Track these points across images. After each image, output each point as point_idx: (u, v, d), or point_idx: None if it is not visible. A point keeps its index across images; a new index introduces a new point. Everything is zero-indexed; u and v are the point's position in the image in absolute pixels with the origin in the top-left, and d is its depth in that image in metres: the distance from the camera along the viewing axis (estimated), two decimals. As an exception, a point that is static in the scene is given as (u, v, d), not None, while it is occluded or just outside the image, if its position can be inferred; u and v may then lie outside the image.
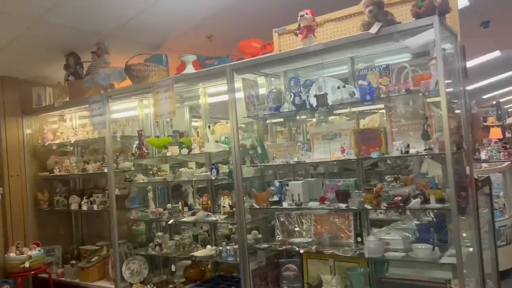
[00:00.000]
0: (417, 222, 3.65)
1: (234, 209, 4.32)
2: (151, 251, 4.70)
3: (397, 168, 5.10)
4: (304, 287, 4.03)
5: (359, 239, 3.77)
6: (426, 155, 3.14)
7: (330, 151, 3.87)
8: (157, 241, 4.74)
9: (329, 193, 3.90)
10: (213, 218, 4.24)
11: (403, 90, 3.21)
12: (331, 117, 4.32)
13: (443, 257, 3.10)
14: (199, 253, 4.31)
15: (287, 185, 4.07)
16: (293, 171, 4.32)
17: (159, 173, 4.93)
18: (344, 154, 3.61)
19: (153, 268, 5.21)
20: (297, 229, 4.13)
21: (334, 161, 3.77)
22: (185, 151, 4.47)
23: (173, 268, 4.44)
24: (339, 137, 3.88)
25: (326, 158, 3.78)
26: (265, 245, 3.90)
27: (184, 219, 4.41)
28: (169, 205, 4.88)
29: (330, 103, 3.53)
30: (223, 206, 4.47)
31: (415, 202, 3.09)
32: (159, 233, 4.95)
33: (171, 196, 5.36)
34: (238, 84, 3.96)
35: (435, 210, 3.30)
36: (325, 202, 3.72)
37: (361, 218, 3.78)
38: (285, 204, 3.85)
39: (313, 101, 3.73)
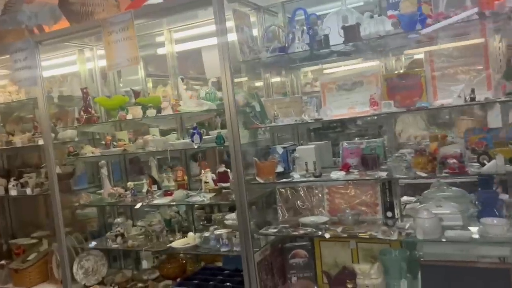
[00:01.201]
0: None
1: (220, 184, 3.39)
2: (112, 244, 3.63)
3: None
4: (318, 277, 3.23)
5: (389, 214, 3.01)
6: (508, 101, 2.38)
7: (347, 106, 3.02)
8: (118, 230, 3.68)
9: (350, 158, 3.07)
10: (197, 198, 3.25)
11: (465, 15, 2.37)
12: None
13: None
14: (180, 243, 3.33)
15: (293, 151, 3.18)
16: (297, 134, 3.42)
17: (114, 143, 3.80)
18: (375, 107, 2.76)
19: (111, 262, 4.16)
20: (305, 205, 3.28)
21: (361, 117, 2.92)
22: (152, 112, 3.39)
23: (145, 264, 3.43)
24: (360, 86, 3.03)
25: (352, 113, 2.91)
26: (272, 230, 3.01)
27: (157, 202, 3.38)
28: (130, 184, 3.81)
29: (363, 37, 2.62)
30: (205, 182, 3.50)
31: (491, 165, 2.34)
32: (118, 220, 3.88)
33: (129, 172, 4.27)
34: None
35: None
36: (350, 170, 2.88)
37: (390, 188, 3.00)
38: (296, 176, 2.96)
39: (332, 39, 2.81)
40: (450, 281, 2.79)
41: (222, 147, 3.20)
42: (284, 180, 2.91)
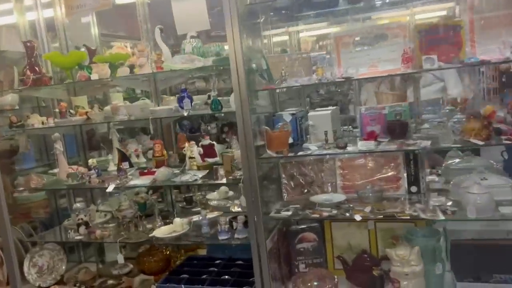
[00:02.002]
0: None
1: (207, 160, 2.83)
2: (74, 235, 2.95)
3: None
4: (329, 263, 2.81)
5: (413, 189, 2.64)
6: None
7: (368, 64, 2.56)
8: (81, 218, 2.99)
9: (370, 126, 2.63)
10: (186, 177, 2.66)
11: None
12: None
13: None
14: (164, 231, 2.73)
15: (301, 118, 2.68)
16: (304, 98, 2.92)
17: (71, 111, 3.06)
18: (408, 64, 2.32)
19: (68, 255, 3.45)
20: (314, 182, 2.81)
21: (391, 75, 2.48)
22: (124, 71, 2.70)
23: (120, 259, 2.80)
24: (384, 40, 2.57)
25: (377, 72, 2.45)
26: (285, 212, 2.51)
27: (135, 182, 2.74)
28: (93, 161, 3.11)
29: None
30: (191, 157, 2.91)
31: None
32: (78, 205, 3.17)
33: (86, 148, 3.54)
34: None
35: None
36: (377, 139, 2.44)
37: (416, 159, 2.62)
38: (313, 147, 2.47)
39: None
40: (482, 261, 2.50)
41: (218, 113, 2.63)
42: (302, 153, 2.41)
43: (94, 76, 2.71)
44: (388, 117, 2.60)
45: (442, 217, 2.16)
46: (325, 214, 2.37)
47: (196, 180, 2.62)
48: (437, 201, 2.37)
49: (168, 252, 2.92)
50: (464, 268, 2.48)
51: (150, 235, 2.73)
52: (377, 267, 2.47)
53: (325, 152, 2.38)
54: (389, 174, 2.69)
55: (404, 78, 2.73)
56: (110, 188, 2.67)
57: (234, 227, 2.63)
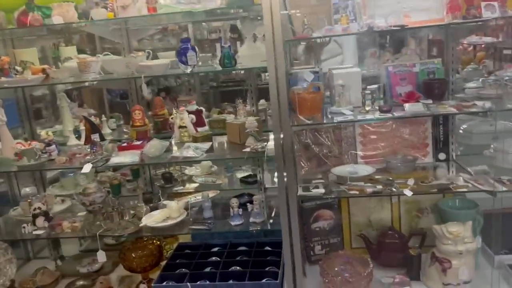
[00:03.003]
0: None
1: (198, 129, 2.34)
2: (32, 230, 2.28)
3: None
4: (345, 242, 2.50)
5: (441, 156, 2.39)
6: None
7: (399, 13, 2.20)
8: (37, 208, 2.32)
9: (401, 86, 2.31)
10: (188, 152, 2.12)
11: None
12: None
13: None
14: (156, 220, 2.19)
15: (317, 77, 2.26)
16: (315, 55, 2.48)
17: (17, 68, 2.32)
18: (456, 13, 2.00)
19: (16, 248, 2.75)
20: (331, 152, 2.44)
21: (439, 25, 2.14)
22: (101, 13, 2.04)
23: (102, 257, 2.19)
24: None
25: (425, 21, 2.10)
26: (317, 190, 2.11)
27: (117, 160, 2.13)
28: (47, 133, 2.43)
29: None
30: (181, 127, 2.38)
31: None
32: (28, 189, 2.50)
33: (32, 117, 2.79)
34: None
35: None
36: (419, 100, 2.12)
37: (445, 125, 2.36)
38: (347, 112, 2.08)
39: None
40: None
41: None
42: (343, 119, 2.00)
43: (57, 20, 2.02)
44: (421, 76, 2.30)
45: (502, 188, 1.92)
46: (369, 190, 2.01)
47: (202, 155, 2.10)
48: (479, 170, 2.13)
49: (158, 243, 2.38)
50: (497, 239, 2.32)
51: (141, 224, 2.18)
52: (414, 247, 2.21)
53: (369, 117, 1.99)
54: (414, 140, 2.41)
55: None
56: (86, 169, 2.05)
57: (250, 209, 2.19)
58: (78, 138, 2.59)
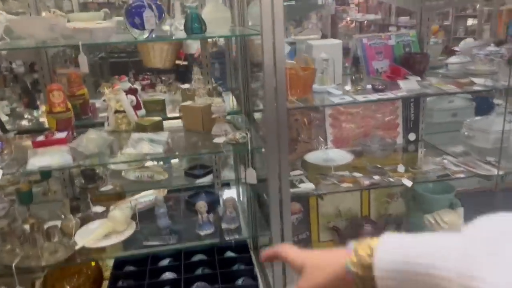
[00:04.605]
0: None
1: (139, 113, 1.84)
2: None
3: None
4: (313, 236, 2.24)
5: (411, 136, 2.25)
6: None
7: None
8: None
9: (377, 60, 2.06)
10: (143, 147, 1.59)
11: None
12: None
13: None
14: (97, 237, 1.64)
15: (294, 50, 1.90)
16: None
17: None
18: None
19: None
20: (301, 137, 2.12)
21: None
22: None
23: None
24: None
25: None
26: (305, 184, 1.76)
27: (40, 163, 1.50)
28: None
29: None
30: (118, 111, 1.84)
31: None
32: None
33: None
34: None
35: None
36: (406, 77, 1.89)
37: (416, 104, 2.21)
38: (335, 91, 1.76)
39: None
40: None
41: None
42: (342, 101, 1.66)
43: None
44: (396, 50, 2.08)
45: (495, 170, 1.81)
46: (366, 182, 1.74)
47: (161, 149, 1.59)
48: (459, 152, 2.02)
49: (94, 264, 1.81)
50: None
51: (77, 247, 1.60)
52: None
53: (372, 98, 1.68)
54: (385, 121, 2.21)
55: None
56: (-6, 177, 1.40)
57: (221, 213, 1.77)
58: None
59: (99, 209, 1.93)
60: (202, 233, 1.72)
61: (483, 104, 2.49)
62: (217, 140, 1.66)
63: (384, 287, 0.50)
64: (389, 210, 2.29)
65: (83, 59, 1.39)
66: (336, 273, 0.57)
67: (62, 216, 1.81)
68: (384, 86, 1.75)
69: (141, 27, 1.45)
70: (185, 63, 2.78)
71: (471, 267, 0.40)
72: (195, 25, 1.49)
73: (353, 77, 1.79)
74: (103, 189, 2.20)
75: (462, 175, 1.78)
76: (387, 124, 2.22)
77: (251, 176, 1.61)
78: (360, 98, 1.65)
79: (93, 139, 1.56)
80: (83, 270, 1.76)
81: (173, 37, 1.69)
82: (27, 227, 1.69)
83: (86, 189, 2.17)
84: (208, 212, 1.75)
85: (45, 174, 2.15)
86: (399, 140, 2.24)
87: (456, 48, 2.31)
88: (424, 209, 2.08)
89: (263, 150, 1.56)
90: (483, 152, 2.00)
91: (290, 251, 0.66)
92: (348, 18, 7.65)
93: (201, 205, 1.72)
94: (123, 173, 2.30)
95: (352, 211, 2.26)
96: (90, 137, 1.56)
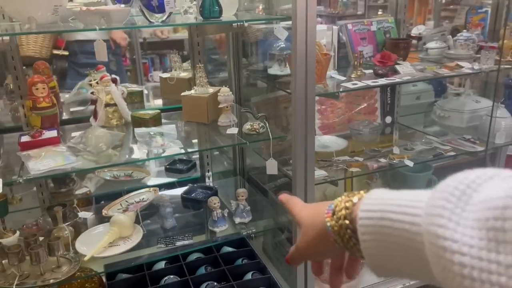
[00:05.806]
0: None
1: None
2: None
3: None
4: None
5: (388, 119, 2.35)
6: None
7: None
8: None
9: (362, 46, 2.11)
10: (156, 144, 1.44)
11: None
12: None
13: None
14: (101, 246, 1.47)
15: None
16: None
17: None
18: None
19: None
20: (289, 124, 2.10)
21: None
22: None
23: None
24: None
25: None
26: (319, 172, 1.74)
27: (37, 167, 1.28)
28: None
29: None
30: (109, 105, 1.66)
31: None
32: None
33: None
34: None
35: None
36: (398, 62, 1.96)
37: (393, 88, 2.31)
38: (338, 77, 1.77)
39: None
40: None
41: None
42: (355, 86, 1.66)
43: None
44: (378, 35, 2.15)
45: (479, 148, 1.97)
46: (375, 165, 1.78)
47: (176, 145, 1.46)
48: (436, 132, 2.17)
49: (96, 277, 1.62)
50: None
51: (86, 258, 1.42)
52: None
53: (381, 83, 1.70)
54: (366, 105, 2.29)
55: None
56: (-7, 187, 1.17)
57: (234, 207, 1.68)
58: None
59: (85, 214, 1.73)
60: (217, 229, 1.63)
61: (438, 87, 2.69)
62: (230, 130, 1.58)
63: (364, 242, 0.50)
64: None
65: (102, 46, 1.21)
66: (323, 231, 0.58)
67: (55, 226, 1.59)
68: (386, 72, 1.79)
69: (159, 10, 1.30)
70: (65, 53, 2.57)
71: (438, 214, 0.40)
72: (215, 8, 1.38)
73: (355, 63, 1.80)
74: (78, 192, 1.98)
75: (452, 153, 1.91)
76: (367, 109, 2.29)
77: (272, 166, 1.56)
78: (369, 82, 1.67)
79: (101, 136, 1.38)
80: (85, 285, 1.56)
81: (191, 23, 1.55)
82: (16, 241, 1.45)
83: (57, 194, 1.94)
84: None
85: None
86: (377, 121, 2.33)
87: (412, 34, 2.44)
88: (405, 188, 2.19)
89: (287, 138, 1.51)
90: (456, 131, 2.16)
91: (294, 206, 0.67)
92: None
93: (214, 200, 1.63)
94: (96, 173, 2.08)
95: (338, 195, 2.30)
96: (98, 134, 1.38)
